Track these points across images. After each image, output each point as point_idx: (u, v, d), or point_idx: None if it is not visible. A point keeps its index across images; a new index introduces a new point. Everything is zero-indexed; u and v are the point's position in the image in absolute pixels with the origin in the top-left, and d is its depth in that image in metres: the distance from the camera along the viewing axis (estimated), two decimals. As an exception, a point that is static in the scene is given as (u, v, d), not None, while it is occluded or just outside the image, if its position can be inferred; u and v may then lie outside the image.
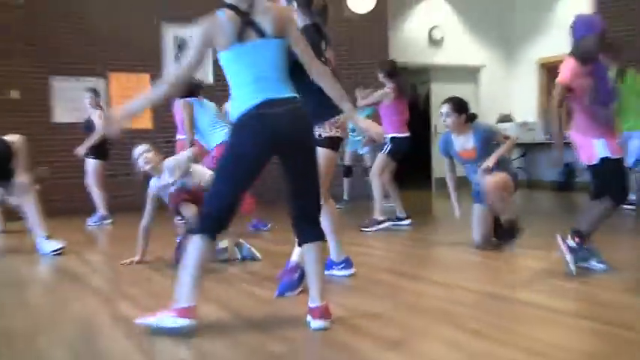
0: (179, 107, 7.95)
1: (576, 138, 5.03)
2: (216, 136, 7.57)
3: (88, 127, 9.24)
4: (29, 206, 6.79)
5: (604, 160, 4.89)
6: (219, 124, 7.68)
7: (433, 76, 14.41)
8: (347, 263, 5.04)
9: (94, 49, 11.13)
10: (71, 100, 10.74)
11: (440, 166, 14.14)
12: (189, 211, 5.52)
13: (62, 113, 10.82)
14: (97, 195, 9.32)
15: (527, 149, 13.74)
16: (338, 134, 4.62)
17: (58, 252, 6.53)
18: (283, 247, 6.45)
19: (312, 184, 3.65)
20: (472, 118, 6.29)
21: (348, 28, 12.32)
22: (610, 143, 4.90)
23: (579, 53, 4.89)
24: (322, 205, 3.84)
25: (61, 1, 10.97)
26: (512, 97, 14.11)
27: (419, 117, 14.91)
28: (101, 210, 9.28)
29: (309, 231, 3.66)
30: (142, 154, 5.80)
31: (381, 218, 7.88)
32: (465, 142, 6.23)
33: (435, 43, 14.12)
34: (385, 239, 7.27)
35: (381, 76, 8.14)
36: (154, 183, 5.83)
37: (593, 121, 4.90)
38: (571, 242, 4.87)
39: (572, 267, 4.78)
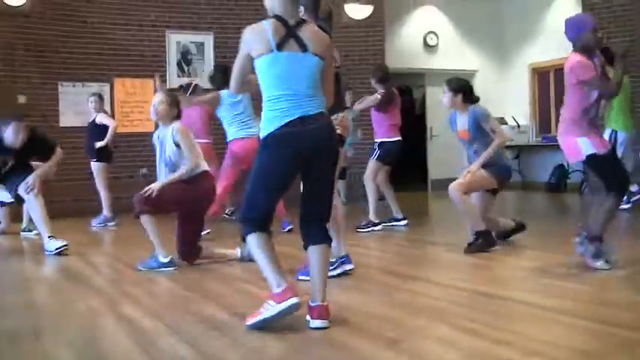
0: (192, 112, 8.23)
1: (561, 139, 5.17)
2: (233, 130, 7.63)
3: (94, 130, 9.34)
4: (35, 206, 6.94)
5: (591, 157, 5.03)
6: (239, 119, 7.64)
7: (428, 80, 14.55)
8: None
9: (99, 55, 11.29)
10: (77, 105, 10.87)
11: (435, 168, 14.39)
12: (148, 224, 5.67)
13: (68, 118, 10.94)
14: (103, 197, 9.43)
15: (521, 151, 13.90)
16: (339, 131, 4.73)
17: (61, 250, 6.66)
18: (284, 247, 6.60)
19: (328, 189, 3.78)
20: (472, 100, 6.40)
21: (346, 34, 12.45)
22: (593, 140, 5.02)
23: (581, 49, 5.05)
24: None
25: (66, 8, 11.10)
26: (506, 101, 14.23)
27: (415, 120, 15.06)
28: (106, 212, 9.39)
29: (316, 233, 3.74)
30: (155, 105, 5.93)
31: (376, 220, 8.02)
32: (463, 122, 6.41)
33: (430, 48, 14.26)
34: (382, 240, 7.38)
35: (373, 82, 8.24)
36: (158, 130, 6.09)
37: (580, 119, 5.02)
38: (591, 248, 4.97)
39: (605, 264, 4.93)
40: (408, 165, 14.36)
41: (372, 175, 8.11)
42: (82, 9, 11.25)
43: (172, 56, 11.86)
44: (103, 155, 9.37)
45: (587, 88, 4.99)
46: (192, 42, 11.94)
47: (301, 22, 3.68)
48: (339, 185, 11.04)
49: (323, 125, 3.64)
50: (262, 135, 3.64)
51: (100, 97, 9.65)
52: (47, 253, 6.70)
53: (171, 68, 11.83)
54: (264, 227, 3.70)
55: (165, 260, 5.70)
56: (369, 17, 12.57)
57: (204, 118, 8.67)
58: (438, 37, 14.31)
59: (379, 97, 8.06)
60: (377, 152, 8.11)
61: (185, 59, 11.91)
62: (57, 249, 6.66)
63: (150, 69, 11.64)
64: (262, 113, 3.68)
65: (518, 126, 13.67)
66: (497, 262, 5.77)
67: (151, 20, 11.71)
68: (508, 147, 13.97)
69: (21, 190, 6.95)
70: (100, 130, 9.28)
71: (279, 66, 3.59)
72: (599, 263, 4.95)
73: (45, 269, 6.16)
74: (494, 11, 14.76)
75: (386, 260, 6.17)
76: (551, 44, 13.23)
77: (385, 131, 8.11)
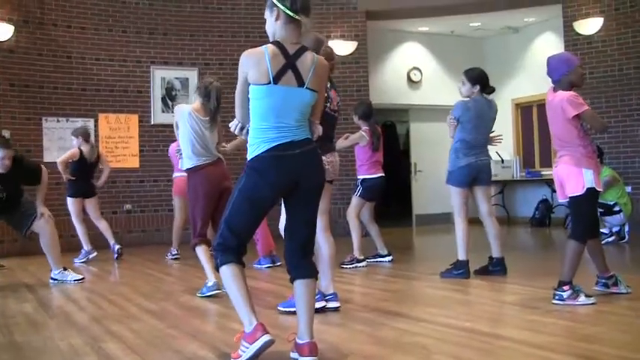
0: (173, 149, 8.47)
1: (565, 170, 5.18)
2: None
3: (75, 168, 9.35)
4: (46, 238, 7.31)
5: (589, 190, 5.07)
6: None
7: (412, 116, 14.66)
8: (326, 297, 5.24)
9: (84, 91, 11.33)
10: (61, 140, 10.86)
11: (420, 203, 14.43)
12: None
13: (52, 153, 10.92)
14: (78, 231, 9.41)
15: (505, 186, 13.98)
16: (330, 173, 4.88)
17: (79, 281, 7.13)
18: (265, 284, 6.58)
19: (313, 219, 3.75)
20: (488, 91, 6.91)
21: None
22: (596, 175, 5.11)
23: (569, 87, 5.15)
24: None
25: (52, 43, 11.14)
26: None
27: (399, 155, 15.14)
28: (85, 246, 9.35)
29: (304, 266, 3.72)
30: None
31: (360, 257, 8.02)
32: None
33: (413, 84, 14.38)
34: (366, 276, 7.38)
35: (355, 119, 8.26)
36: None
37: (584, 151, 5.11)
38: (565, 294, 5.05)
39: (587, 299, 5.03)
40: (392, 200, 14.44)
41: (355, 211, 8.12)
42: (66, 44, 11.28)
43: (157, 92, 11.89)
44: (74, 190, 9.38)
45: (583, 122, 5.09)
46: (176, 78, 11.98)
47: (301, 51, 3.62)
48: None
49: (310, 150, 3.64)
50: (249, 158, 3.63)
51: (80, 134, 9.51)
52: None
53: (156, 104, 11.85)
54: (240, 258, 3.68)
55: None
56: (352, 53, 12.68)
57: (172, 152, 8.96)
58: (421, 73, 14.43)
59: (365, 135, 8.06)
60: (359, 189, 8.13)
61: (169, 95, 11.94)
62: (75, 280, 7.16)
63: (134, 104, 11.70)
64: (249, 138, 3.66)
65: (502, 161, 13.76)
66: (482, 297, 5.79)
67: (136, 56, 11.76)
68: (492, 182, 14.07)
69: (38, 225, 7.29)
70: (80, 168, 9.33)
71: (274, 99, 3.55)
72: (582, 299, 5.02)
73: (26, 306, 6.08)
74: (477, 46, 14.96)
75: (371, 297, 6.15)
76: (533, 79, 13.40)
77: (367, 168, 8.13)
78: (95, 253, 9.31)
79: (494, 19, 13.41)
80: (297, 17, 3.59)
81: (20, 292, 6.69)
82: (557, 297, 5.08)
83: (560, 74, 5.17)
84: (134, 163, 11.41)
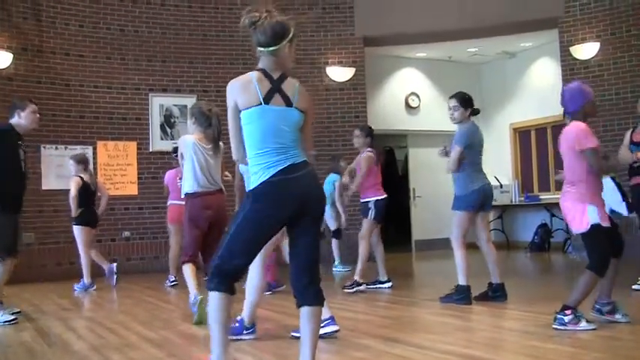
0: (171, 176, 8.63)
1: (570, 206, 5.21)
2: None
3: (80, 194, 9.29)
4: None
5: (593, 227, 5.08)
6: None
7: (411, 141, 14.70)
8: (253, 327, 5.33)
9: (82, 118, 11.37)
10: (60, 168, 10.89)
11: (419, 229, 14.42)
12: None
13: (51, 180, 10.93)
14: (83, 262, 9.31)
15: (504, 211, 13.97)
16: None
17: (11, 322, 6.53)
18: (265, 311, 6.56)
19: (316, 243, 3.71)
20: (474, 112, 6.94)
21: (328, 96, 12.62)
22: (601, 211, 5.12)
23: (583, 118, 5.21)
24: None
25: (50, 71, 11.19)
26: (487, 161, 14.26)
27: (398, 181, 15.15)
28: (85, 278, 9.24)
29: (310, 293, 3.66)
30: None
31: (360, 280, 8.00)
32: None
33: (411, 109, 14.43)
34: (367, 301, 7.35)
35: (360, 132, 8.27)
36: None
37: (590, 185, 5.14)
38: (567, 318, 5.02)
39: (588, 325, 5.01)
40: (391, 226, 14.43)
41: (368, 234, 8.11)
42: (65, 72, 11.33)
43: (155, 119, 11.92)
44: (83, 219, 9.29)
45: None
46: (175, 105, 12.02)
47: (283, 76, 3.71)
48: (333, 245, 11.05)
49: (310, 172, 3.67)
50: (253, 186, 3.61)
51: (77, 159, 9.47)
52: None
53: (154, 131, 11.88)
54: (233, 286, 3.63)
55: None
56: (350, 79, 12.74)
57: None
58: (419, 99, 14.49)
59: (371, 154, 8.12)
60: (373, 211, 8.10)
61: (168, 122, 11.97)
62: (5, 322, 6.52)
63: (133, 132, 11.73)
64: (249, 167, 3.67)
65: (501, 186, 13.76)
66: (481, 323, 5.77)
67: (134, 83, 11.81)
68: (492, 207, 14.08)
69: None
70: (84, 194, 9.26)
71: (267, 119, 3.60)
72: (583, 324, 4.99)
73: (24, 334, 6.05)
74: (474, 72, 15.04)
75: (371, 323, 6.13)
76: (531, 104, 13.47)
77: (376, 190, 8.14)
78: (94, 287, 9.23)
79: (491, 44, 13.49)
80: (265, 50, 3.68)
81: (18, 320, 6.64)
82: (558, 321, 5.05)
83: (577, 106, 5.23)
84: (133, 190, 11.41)
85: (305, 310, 3.65)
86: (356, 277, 8.03)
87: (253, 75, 3.66)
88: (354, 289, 7.91)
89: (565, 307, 5.05)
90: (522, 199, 13.76)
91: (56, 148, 11.14)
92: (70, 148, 11.11)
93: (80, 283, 9.24)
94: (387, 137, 14.74)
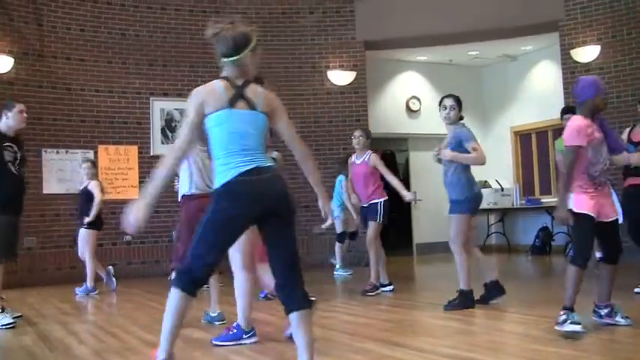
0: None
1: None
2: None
3: (87, 197, 9.25)
4: None
5: (571, 212, 5.09)
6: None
7: (411, 145, 14.70)
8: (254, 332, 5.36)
9: (83, 122, 11.38)
10: (61, 172, 10.89)
11: (420, 233, 14.40)
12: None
13: (52, 184, 10.94)
14: (89, 266, 9.29)
15: (505, 214, 13.97)
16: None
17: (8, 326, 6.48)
18: (267, 315, 6.56)
19: (294, 250, 3.71)
20: (461, 117, 6.90)
21: (329, 100, 12.63)
22: (579, 197, 5.07)
23: (590, 112, 5.19)
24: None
25: (51, 75, 11.21)
26: (489, 164, 14.26)
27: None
28: (89, 282, 9.22)
29: (297, 297, 3.65)
30: None
31: (378, 283, 8.11)
32: (448, 136, 6.76)
33: (412, 113, 14.43)
34: (368, 305, 7.34)
35: (363, 142, 8.29)
36: None
37: (584, 183, 5.11)
38: (560, 318, 4.97)
39: (575, 327, 4.89)
40: (392, 229, 14.42)
41: (377, 236, 8.12)
42: (66, 76, 11.35)
43: (156, 123, 11.93)
44: (94, 222, 9.28)
45: (590, 149, 5.10)
46: (176, 109, 12.01)
47: (246, 83, 3.78)
48: (336, 249, 11.04)
49: (277, 176, 3.71)
50: (216, 186, 3.66)
51: (94, 164, 9.60)
52: None
53: (155, 135, 11.89)
54: (194, 289, 3.65)
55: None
56: (351, 83, 12.76)
57: None
58: (420, 102, 14.49)
59: (378, 155, 8.24)
60: (381, 213, 8.10)
61: (169, 126, 11.98)
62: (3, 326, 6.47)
63: (134, 136, 11.74)
64: (214, 170, 3.71)
65: (502, 189, 13.77)
66: (483, 326, 5.77)
67: (135, 87, 11.82)
68: (492, 210, 14.11)
69: None
70: (92, 198, 9.22)
71: (233, 122, 3.67)
72: (567, 326, 4.90)
73: (25, 338, 6.05)
74: (475, 75, 15.05)
75: (373, 327, 6.12)
76: (532, 107, 13.48)
77: (382, 191, 8.16)
78: (96, 292, 9.21)
79: (492, 47, 13.49)
80: (227, 60, 3.77)
81: (19, 325, 6.64)
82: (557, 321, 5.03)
83: (587, 96, 5.20)
84: (134, 194, 11.39)
85: (294, 316, 3.64)
86: (373, 281, 8.07)
87: (217, 82, 3.75)
88: (375, 293, 7.95)
89: (563, 308, 5.03)
90: (523, 202, 13.76)
91: (57, 152, 11.15)
92: (71, 152, 11.13)
93: (82, 287, 9.23)
94: (387, 141, 14.75)
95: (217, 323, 6.10)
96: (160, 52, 12.05)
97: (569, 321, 4.92)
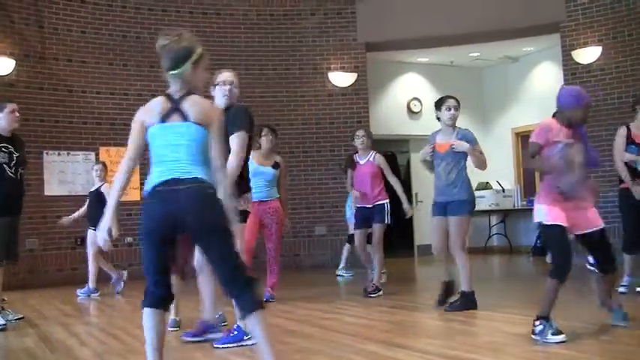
0: None
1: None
2: None
3: (98, 199, 9.22)
4: None
5: (543, 225, 5.06)
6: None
7: (413, 146, 14.69)
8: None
9: (85, 124, 11.38)
10: (62, 174, 10.90)
11: (421, 234, 14.40)
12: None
13: (53, 186, 10.94)
14: (91, 268, 9.28)
15: (506, 215, 13.96)
16: (246, 208, 5.32)
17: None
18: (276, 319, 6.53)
19: (227, 255, 3.66)
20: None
21: (330, 102, 12.64)
22: (549, 209, 4.98)
23: (567, 122, 5.05)
24: None
25: (53, 77, 11.22)
26: (490, 165, 14.31)
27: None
28: (91, 284, 9.22)
29: (246, 300, 3.66)
30: None
31: (379, 285, 8.11)
32: (449, 137, 6.69)
33: (413, 114, 14.44)
34: (368, 307, 7.33)
35: (366, 142, 8.29)
36: None
37: (549, 186, 5.02)
38: (536, 329, 4.90)
39: (556, 338, 4.76)
40: (394, 231, 14.41)
41: (382, 238, 8.16)
42: (67, 78, 11.35)
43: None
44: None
45: (555, 153, 4.97)
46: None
47: (186, 95, 3.81)
48: (345, 250, 11.01)
49: (195, 188, 3.65)
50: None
51: (105, 166, 9.60)
52: None
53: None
54: (159, 305, 3.75)
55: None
56: (352, 84, 12.76)
57: None
58: (421, 103, 14.50)
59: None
60: (388, 214, 8.11)
61: (170, 127, 11.96)
62: None
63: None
64: None
65: (503, 190, 13.77)
66: (483, 327, 5.77)
67: (137, 89, 11.81)
68: (494, 211, 14.11)
69: None
70: (104, 200, 9.20)
71: (164, 136, 3.76)
72: (549, 337, 4.80)
73: (27, 340, 6.05)
74: (476, 76, 15.05)
75: (374, 328, 6.12)
76: (533, 108, 13.46)
77: (385, 192, 8.17)
78: (98, 293, 9.22)
79: (493, 48, 13.50)
80: (168, 73, 3.85)
81: (21, 326, 6.65)
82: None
83: (566, 106, 5.07)
84: (135, 195, 11.38)
85: (249, 320, 3.68)
86: (376, 282, 8.07)
87: (157, 99, 3.89)
88: (377, 294, 7.95)
89: (538, 317, 4.94)
90: (525, 203, 13.74)
91: (59, 154, 11.15)
92: (73, 154, 11.14)
93: (84, 289, 9.22)
94: (389, 142, 14.74)
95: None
96: (160, 53, 12.04)
97: (549, 332, 4.80)
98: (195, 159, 3.73)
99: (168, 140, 3.73)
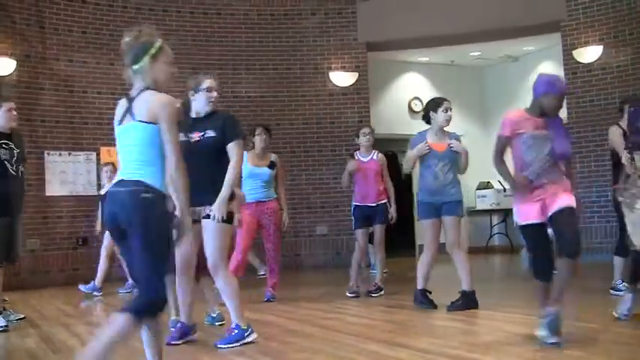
0: None
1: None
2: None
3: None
4: None
5: (519, 227, 4.97)
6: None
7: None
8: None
9: (86, 124, 11.37)
10: (63, 174, 10.90)
11: (422, 233, 14.34)
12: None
13: (54, 186, 10.95)
14: (102, 267, 9.27)
15: (507, 214, 13.95)
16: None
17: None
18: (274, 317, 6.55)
19: (142, 260, 3.60)
20: None
21: (332, 101, 12.64)
22: (522, 209, 4.88)
23: (539, 110, 4.94)
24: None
25: (54, 77, 11.22)
26: (491, 165, 14.35)
27: (401, 186, 15.12)
28: (97, 282, 9.20)
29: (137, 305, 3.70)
30: None
31: (382, 284, 8.11)
32: (443, 137, 6.83)
33: (414, 114, 14.43)
34: (370, 306, 7.34)
35: (371, 140, 8.32)
36: None
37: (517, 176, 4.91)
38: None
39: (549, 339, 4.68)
40: (394, 230, 14.42)
41: (383, 239, 8.15)
42: (68, 78, 11.36)
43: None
44: None
45: (521, 144, 4.89)
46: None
47: (140, 93, 3.78)
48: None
49: (129, 192, 3.63)
50: None
51: (114, 166, 9.59)
52: None
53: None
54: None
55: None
56: (354, 84, 12.76)
57: None
58: (422, 103, 14.45)
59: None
60: (387, 214, 8.15)
61: (171, 127, 11.96)
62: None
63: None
64: None
65: (504, 189, 13.73)
66: (485, 327, 5.77)
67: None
68: (495, 211, 14.10)
69: None
70: None
71: (119, 139, 3.82)
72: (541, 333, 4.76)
73: (28, 340, 6.05)
74: (477, 76, 15.05)
75: (376, 328, 6.12)
76: (534, 108, 13.41)
77: (384, 193, 8.16)
78: (101, 293, 9.20)
79: (493, 48, 13.50)
80: (130, 70, 3.84)
81: (22, 327, 6.64)
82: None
83: (535, 94, 4.99)
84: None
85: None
86: (378, 282, 8.10)
87: (120, 101, 3.89)
88: (378, 294, 7.97)
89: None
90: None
91: (60, 154, 11.15)
92: (74, 154, 11.14)
93: (90, 285, 9.16)
94: (390, 142, 14.72)
95: (217, 323, 6.17)
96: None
97: (543, 332, 4.73)
98: (144, 159, 3.69)
99: (122, 142, 3.78)
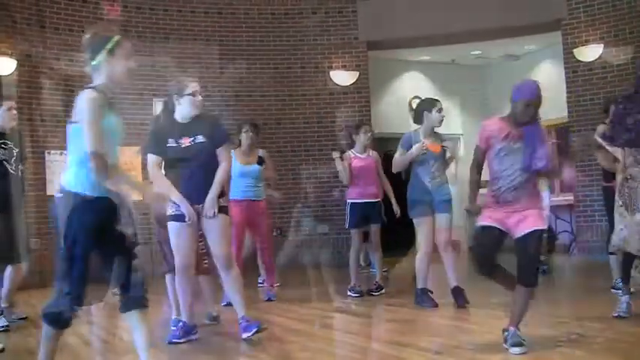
0: None
1: None
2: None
3: None
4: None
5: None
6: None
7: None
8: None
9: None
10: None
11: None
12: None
13: (56, 186, 10.92)
14: None
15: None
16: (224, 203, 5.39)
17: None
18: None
19: (62, 275, 3.97)
20: None
21: (332, 100, 12.64)
22: (485, 212, 4.79)
23: (513, 115, 4.88)
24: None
25: (54, 76, 11.19)
26: (493, 164, 14.40)
27: (401, 185, 15.12)
28: None
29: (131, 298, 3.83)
30: None
31: (382, 283, 8.15)
32: (436, 138, 7.06)
33: (415, 112, 14.42)
34: (371, 305, 7.34)
35: (368, 129, 8.42)
36: None
37: (491, 194, 4.78)
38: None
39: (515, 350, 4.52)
40: (394, 229, 14.41)
41: (379, 239, 8.22)
42: (68, 78, 11.32)
43: (159, 124, 11.90)
44: None
45: (494, 155, 4.80)
46: (179, 109, 12.00)
47: (81, 92, 3.83)
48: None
49: (61, 197, 3.86)
50: None
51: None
52: None
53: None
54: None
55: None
56: (354, 83, 12.75)
57: None
58: (423, 102, 14.47)
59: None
60: (381, 215, 8.17)
61: (172, 127, 11.95)
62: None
63: (137, 137, 11.67)
64: None
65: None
66: (486, 325, 5.76)
67: (138, 88, 11.79)
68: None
69: None
70: None
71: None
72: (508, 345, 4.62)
73: (31, 340, 6.04)
74: (478, 74, 15.04)
75: (378, 327, 6.13)
76: (534, 108, 13.41)
77: (381, 191, 8.19)
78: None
79: (494, 47, 13.49)
80: (89, 67, 3.94)
81: (24, 326, 6.65)
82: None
83: (513, 100, 4.91)
84: (137, 195, 11.41)
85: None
86: (378, 281, 8.13)
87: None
88: (379, 293, 7.99)
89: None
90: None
91: (61, 154, 11.11)
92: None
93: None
94: (390, 141, 14.70)
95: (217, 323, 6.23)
96: (162, 53, 12.03)
97: (509, 343, 4.60)
98: (72, 160, 3.80)
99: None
